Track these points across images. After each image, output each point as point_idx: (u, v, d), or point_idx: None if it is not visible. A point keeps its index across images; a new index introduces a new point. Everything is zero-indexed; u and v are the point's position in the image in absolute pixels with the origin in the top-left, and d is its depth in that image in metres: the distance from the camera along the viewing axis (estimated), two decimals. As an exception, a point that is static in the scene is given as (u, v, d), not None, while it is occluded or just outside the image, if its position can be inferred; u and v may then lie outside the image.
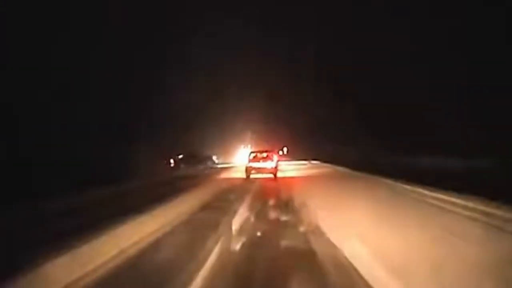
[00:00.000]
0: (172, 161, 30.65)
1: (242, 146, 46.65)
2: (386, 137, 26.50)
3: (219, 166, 32.80)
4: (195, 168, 29.34)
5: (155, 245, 5.23)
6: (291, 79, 41.73)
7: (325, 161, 30.86)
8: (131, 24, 22.76)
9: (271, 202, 9.26)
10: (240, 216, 7.29)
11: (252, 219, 7.08)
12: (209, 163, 33.41)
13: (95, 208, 8.77)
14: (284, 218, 7.10)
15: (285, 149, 48.37)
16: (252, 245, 5.15)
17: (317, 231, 5.76)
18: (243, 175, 17.89)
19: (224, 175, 20.78)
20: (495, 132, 16.49)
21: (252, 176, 17.59)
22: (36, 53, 16.72)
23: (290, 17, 36.11)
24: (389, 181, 12.76)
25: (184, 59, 31.97)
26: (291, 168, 25.51)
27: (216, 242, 5.21)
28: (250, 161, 18.31)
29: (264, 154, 18.75)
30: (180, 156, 31.51)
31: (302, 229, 6.03)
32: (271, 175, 17.50)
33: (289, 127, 47.05)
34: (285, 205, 8.69)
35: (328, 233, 5.56)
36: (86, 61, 19.04)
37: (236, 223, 6.61)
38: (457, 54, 19.20)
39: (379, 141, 27.43)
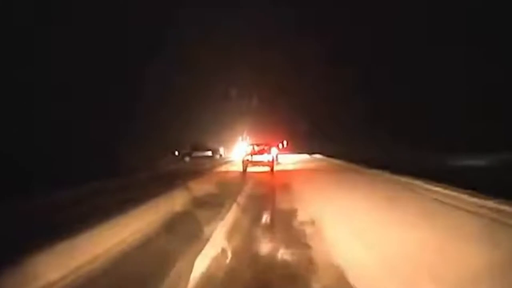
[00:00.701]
0: (176, 153, 32.01)
1: (241, 139, 46.61)
2: (387, 134, 26.55)
3: (227, 158, 32.85)
4: (200, 160, 29.73)
5: None
6: (295, 74, 41.74)
7: (328, 155, 31.01)
8: (131, 24, 22.79)
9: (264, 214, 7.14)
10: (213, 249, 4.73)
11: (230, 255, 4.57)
12: (216, 155, 34.07)
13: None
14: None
15: (284, 143, 48.38)
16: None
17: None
18: (240, 169, 17.81)
19: (220, 168, 20.61)
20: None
21: (249, 169, 17.49)
22: (36, 53, 16.71)
23: (291, 15, 36.24)
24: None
25: (183, 55, 32.12)
26: (290, 162, 25.91)
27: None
28: (247, 154, 18.26)
29: (262, 147, 18.70)
30: (186, 150, 32.52)
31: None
32: (268, 168, 17.49)
33: (291, 121, 47.11)
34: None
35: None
36: (86, 61, 19.02)
37: (201, 264, 4.14)
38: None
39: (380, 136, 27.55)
